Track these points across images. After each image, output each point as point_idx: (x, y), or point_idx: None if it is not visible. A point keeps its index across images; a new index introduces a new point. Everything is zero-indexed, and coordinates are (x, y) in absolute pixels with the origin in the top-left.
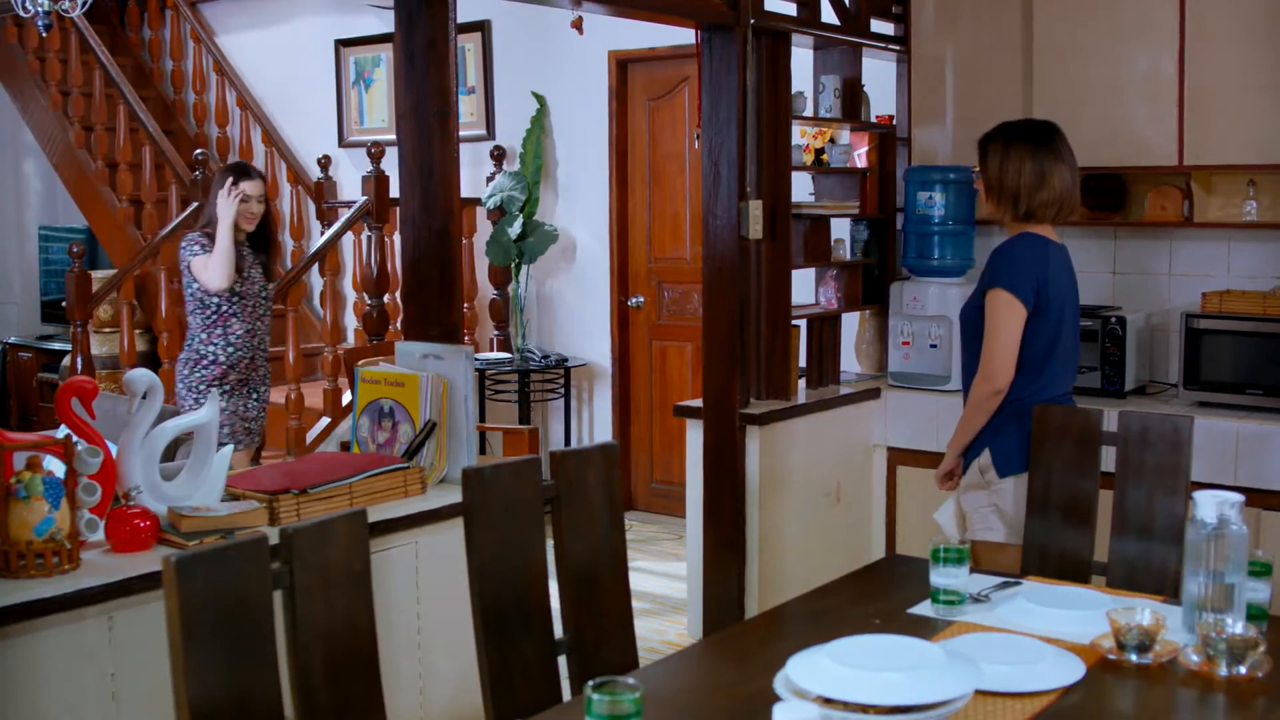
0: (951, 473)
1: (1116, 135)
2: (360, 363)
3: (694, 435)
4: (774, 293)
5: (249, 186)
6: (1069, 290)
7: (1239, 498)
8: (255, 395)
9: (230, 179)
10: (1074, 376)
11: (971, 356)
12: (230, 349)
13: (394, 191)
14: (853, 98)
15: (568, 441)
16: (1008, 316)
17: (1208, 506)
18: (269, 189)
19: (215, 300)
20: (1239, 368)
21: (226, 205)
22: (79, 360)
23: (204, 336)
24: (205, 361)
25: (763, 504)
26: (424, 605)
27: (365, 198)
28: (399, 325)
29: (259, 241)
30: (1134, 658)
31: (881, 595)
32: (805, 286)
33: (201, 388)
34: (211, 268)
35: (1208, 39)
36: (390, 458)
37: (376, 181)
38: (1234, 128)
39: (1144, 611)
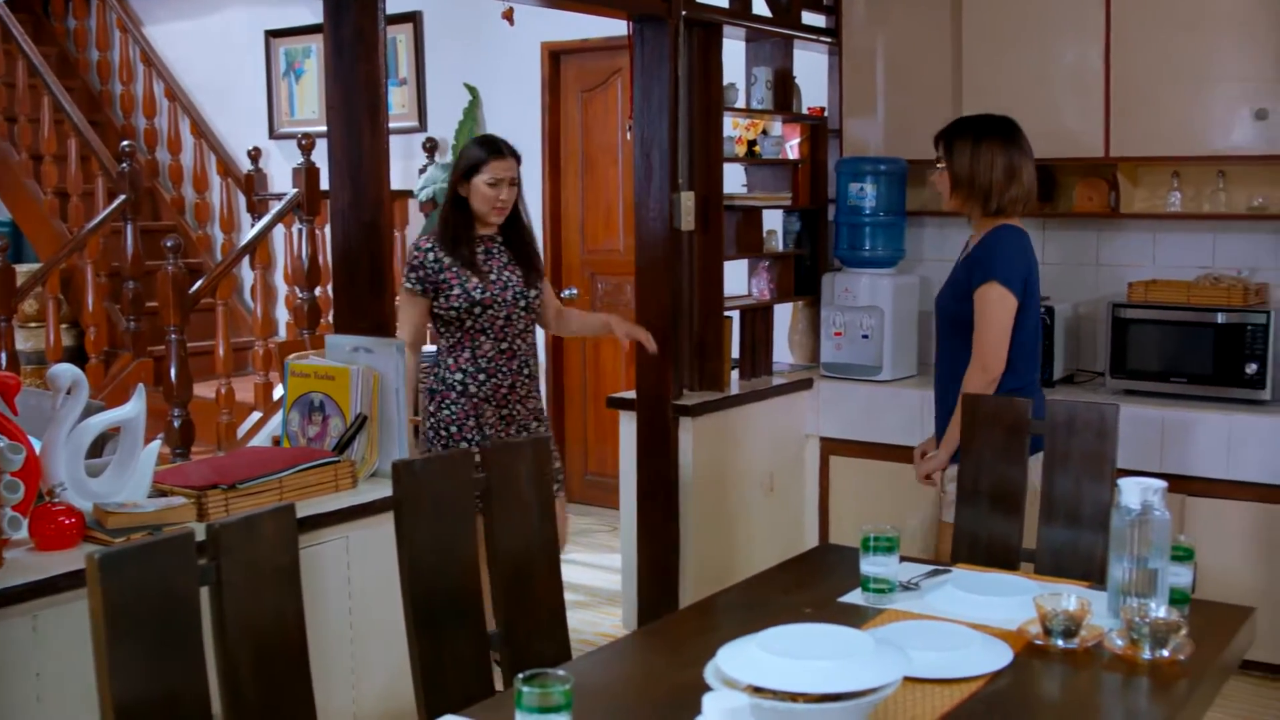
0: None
1: (1045, 128)
2: (290, 356)
3: (627, 427)
4: (706, 284)
5: (498, 167)
6: (1037, 282)
7: (1162, 484)
8: (526, 435)
9: (476, 157)
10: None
11: (952, 349)
12: (482, 376)
13: (325, 184)
14: (784, 89)
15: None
16: (1002, 309)
17: (1131, 493)
18: (199, 180)
19: (454, 312)
20: (1164, 356)
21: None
22: (3, 355)
23: (449, 362)
24: (452, 394)
25: (696, 495)
26: (356, 600)
27: (296, 190)
28: (331, 318)
29: (513, 235)
30: (1060, 643)
31: (813, 584)
32: (738, 277)
33: (452, 429)
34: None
35: (1133, 33)
36: (320, 452)
37: (307, 173)
38: (1159, 120)
39: (1070, 597)
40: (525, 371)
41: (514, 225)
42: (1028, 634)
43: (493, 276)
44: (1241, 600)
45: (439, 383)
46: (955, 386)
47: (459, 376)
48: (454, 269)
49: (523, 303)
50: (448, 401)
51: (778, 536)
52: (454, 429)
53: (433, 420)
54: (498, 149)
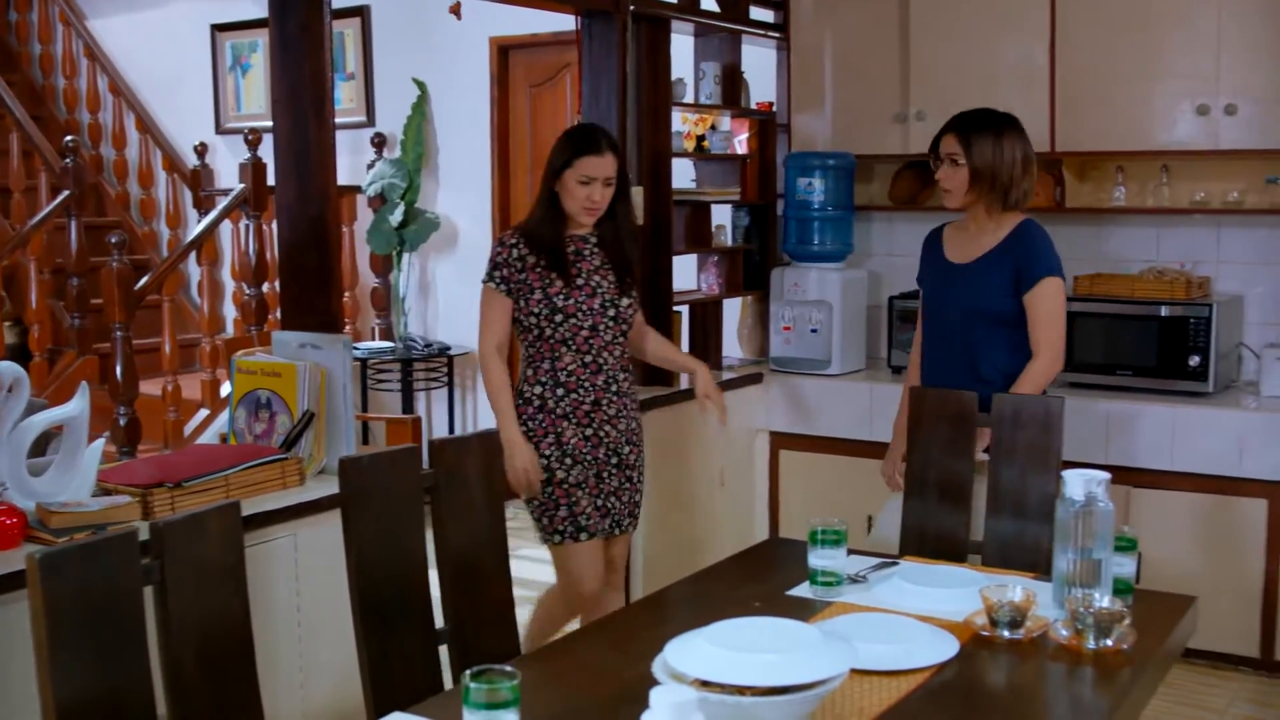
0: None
1: None
2: (238, 353)
3: None
4: (656, 279)
5: (591, 165)
6: None
7: (1105, 476)
8: (617, 461)
9: (567, 151)
10: None
11: (989, 343)
12: (560, 391)
13: (272, 179)
14: (733, 84)
15: (451, 430)
16: (1063, 301)
17: (1076, 485)
18: (144, 176)
19: (533, 319)
20: (1109, 349)
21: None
22: None
23: (528, 373)
24: (530, 409)
25: (647, 489)
26: (304, 598)
27: (243, 185)
28: (279, 314)
29: (610, 235)
30: (1006, 634)
31: (762, 578)
32: (686, 272)
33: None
34: (483, 315)
35: (1078, 29)
36: (267, 449)
37: (254, 168)
38: (1103, 116)
39: (1015, 589)
40: (614, 388)
41: (612, 224)
42: (974, 625)
43: (580, 280)
44: (1184, 590)
45: (517, 395)
46: (994, 378)
47: (537, 390)
48: (538, 269)
49: (612, 312)
50: (524, 417)
51: (729, 530)
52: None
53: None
54: (592, 144)
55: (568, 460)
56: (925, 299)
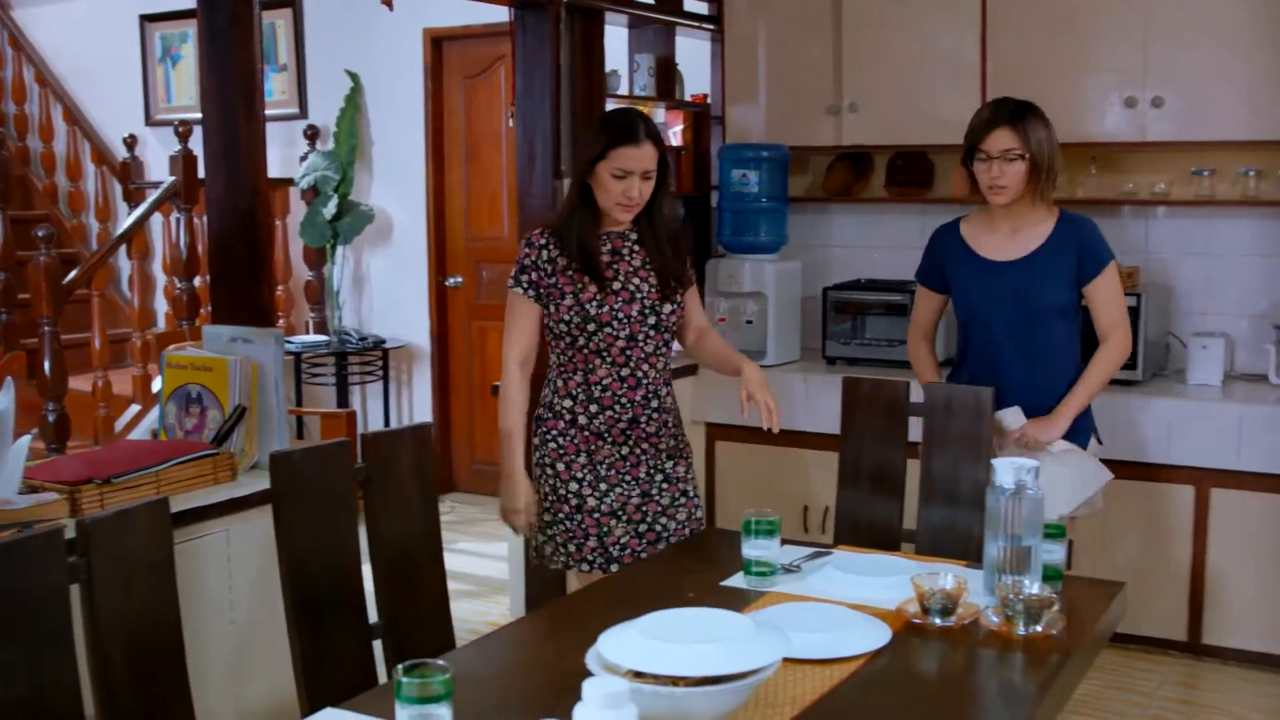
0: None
1: (923, 114)
2: (168, 348)
3: None
4: None
5: (627, 156)
6: None
7: (1035, 463)
8: (663, 477)
9: (611, 139)
10: None
11: (1051, 334)
12: (594, 407)
13: (203, 171)
14: (667, 76)
15: (387, 424)
16: (1121, 284)
17: (1005, 473)
18: (72, 168)
19: (564, 326)
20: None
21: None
22: None
23: (559, 384)
24: (560, 423)
25: None
26: (237, 594)
27: (173, 178)
28: (211, 309)
29: (650, 233)
30: (938, 621)
31: (697, 569)
32: None
33: (559, 465)
34: (508, 323)
35: (1009, 22)
36: (198, 444)
37: (184, 161)
38: None
39: (947, 576)
40: (654, 404)
41: (652, 220)
42: (906, 613)
43: (617, 284)
44: (1114, 576)
45: (546, 409)
46: (1065, 369)
47: (568, 404)
48: (569, 272)
49: (653, 320)
50: (554, 432)
51: None
52: (560, 465)
53: (538, 454)
54: (629, 132)
55: (602, 485)
56: (962, 300)
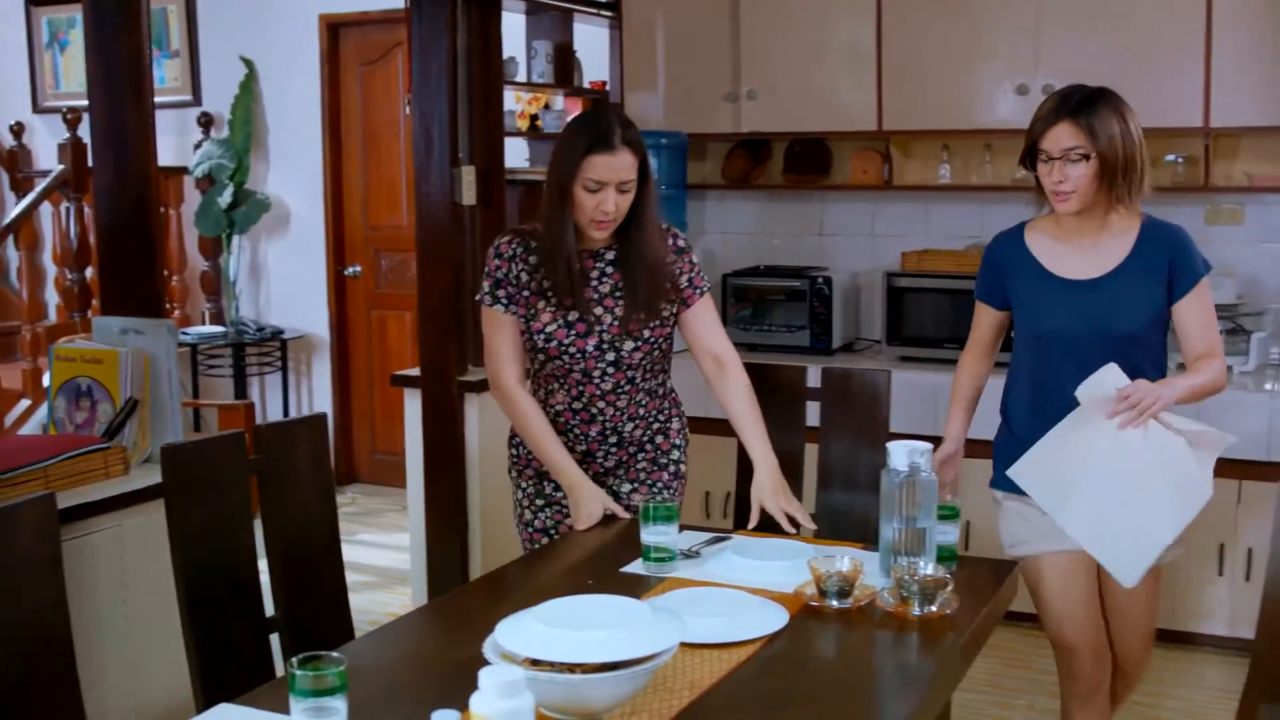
0: None
1: (820, 101)
2: (58, 341)
3: (412, 404)
4: None
5: (601, 165)
6: None
7: (928, 446)
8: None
9: (583, 146)
10: None
11: (1144, 363)
12: (561, 431)
13: (92, 159)
14: (565, 63)
15: (286, 415)
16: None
17: (899, 455)
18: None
19: (537, 340)
20: (937, 323)
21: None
22: None
23: (539, 393)
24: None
25: (484, 470)
26: (131, 590)
27: (62, 166)
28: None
29: (629, 252)
30: (835, 603)
31: (597, 555)
32: None
33: (527, 488)
34: (486, 342)
35: (903, 10)
36: (89, 438)
37: (74, 149)
38: (928, 95)
39: (843, 559)
40: (612, 439)
41: (632, 239)
42: (803, 596)
43: (573, 315)
44: (1006, 555)
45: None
46: None
47: (550, 413)
48: (532, 287)
49: (610, 356)
50: (514, 441)
51: None
52: (536, 464)
53: (515, 452)
54: (604, 138)
55: (539, 502)
56: (1025, 322)
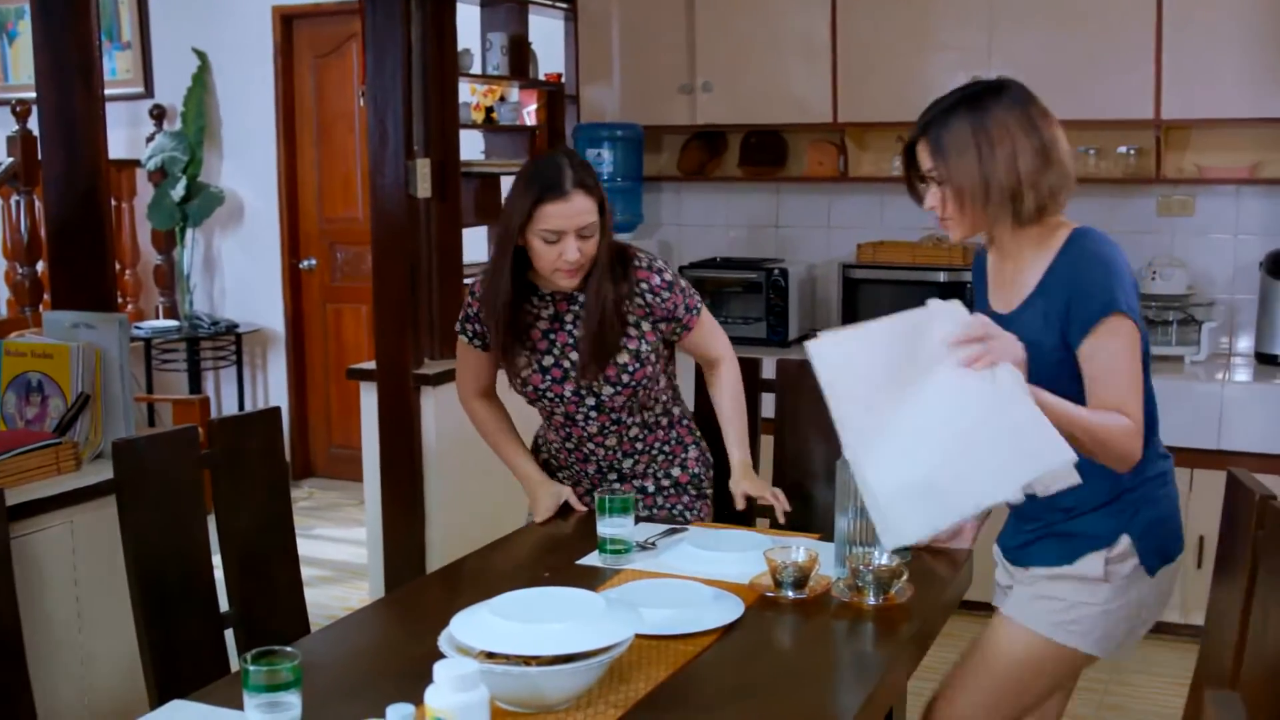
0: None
1: (776, 94)
2: (9, 335)
3: (369, 398)
4: (445, 251)
5: (554, 214)
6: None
7: None
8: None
9: (533, 196)
10: None
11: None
12: (553, 462)
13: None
14: (520, 55)
15: (241, 409)
16: (1134, 351)
17: None
18: None
19: (515, 385)
20: (892, 314)
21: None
22: None
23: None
24: (542, 456)
25: (441, 464)
26: (83, 587)
27: (12, 159)
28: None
29: (593, 299)
30: (790, 594)
31: (553, 548)
32: (478, 244)
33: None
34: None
35: (858, 2)
36: (39, 434)
37: (23, 141)
38: (883, 87)
39: (799, 550)
40: (613, 477)
41: (598, 283)
42: (759, 587)
43: (549, 359)
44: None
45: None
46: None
47: (548, 451)
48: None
49: (591, 401)
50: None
51: (524, 503)
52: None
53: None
54: (555, 185)
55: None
56: None
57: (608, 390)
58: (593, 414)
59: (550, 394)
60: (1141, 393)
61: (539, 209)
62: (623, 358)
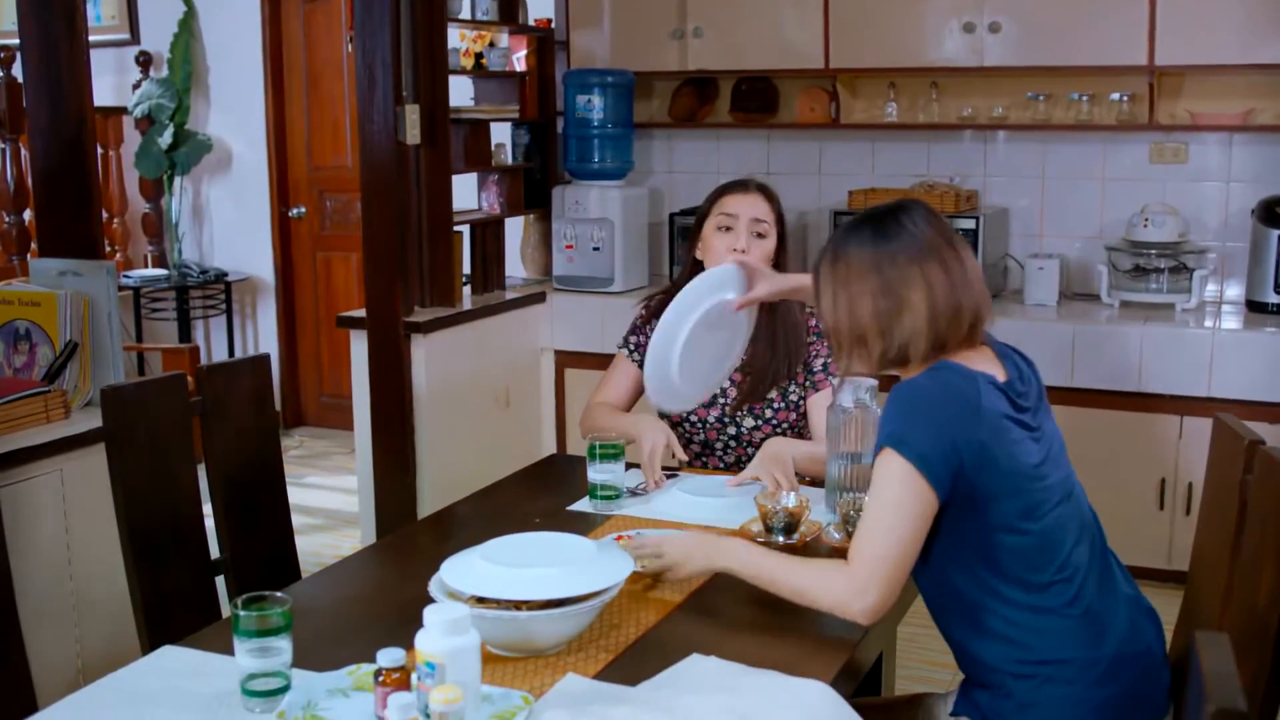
0: None
1: (768, 39)
2: None
3: (359, 346)
4: (434, 198)
5: (732, 203)
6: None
7: (873, 383)
8: None
9: (718, 191)
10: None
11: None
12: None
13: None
14: (509, 1)
15: (231, 358)
16: (899, 490)
17: (845, 392)
18: None
19: None
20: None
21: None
22: None
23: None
24: None
25: (431, 411)
26: (74, 535)
27: None
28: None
29: (765, 323)
30: (781, 539)
31: (544, 494)
32: (467, 191)
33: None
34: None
35: None
36: (28, 382)
37: (8, 89)
38: (875, 33)
39: (789, 495)
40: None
41: (774, 308)
42: (750, 532)
43: None
44: None
45: None
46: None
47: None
48: None
49: (731, 430)
50: None
51: (515, 451)
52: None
53: None
54: (739, 183)
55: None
56: None
57: (749, 423)
58: (731, 444)
59: (694, 416)
60: (889, 534)
61: (720, 199)
62: (772, 393)
